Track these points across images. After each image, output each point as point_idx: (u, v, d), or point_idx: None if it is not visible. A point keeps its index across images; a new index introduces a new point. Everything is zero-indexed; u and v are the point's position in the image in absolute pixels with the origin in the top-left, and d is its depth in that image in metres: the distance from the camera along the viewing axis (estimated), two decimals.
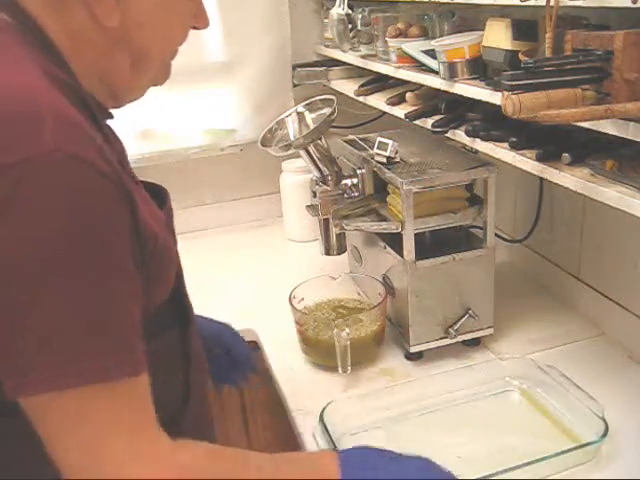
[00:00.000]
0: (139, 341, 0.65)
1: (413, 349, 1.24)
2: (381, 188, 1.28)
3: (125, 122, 0.91)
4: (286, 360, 1.30)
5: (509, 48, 1.02)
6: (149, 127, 1.79)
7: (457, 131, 1.19)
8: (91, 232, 0.60)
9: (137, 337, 0.65)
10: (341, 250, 1.38)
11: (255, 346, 1.41)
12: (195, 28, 0.82)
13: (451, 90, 1.18)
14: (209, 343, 1.03)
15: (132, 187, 0.67)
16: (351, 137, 1.42)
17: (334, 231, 1.32)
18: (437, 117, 1.26)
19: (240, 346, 1.16)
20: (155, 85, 0.83)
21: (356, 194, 1.32)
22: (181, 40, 0.81)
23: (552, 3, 0.85)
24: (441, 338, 1.25)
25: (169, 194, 0.85)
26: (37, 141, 0.58)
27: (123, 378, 0.62)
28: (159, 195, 0.83)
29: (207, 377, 0.96)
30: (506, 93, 0.79)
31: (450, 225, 1.23)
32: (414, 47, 1.30)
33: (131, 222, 0.65)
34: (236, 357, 1.14)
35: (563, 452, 0.96)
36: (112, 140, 0.76)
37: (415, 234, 1.18)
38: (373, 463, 0.80)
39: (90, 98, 0.72)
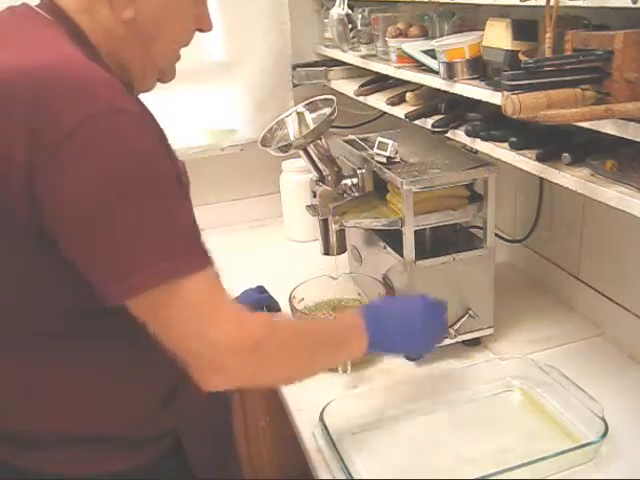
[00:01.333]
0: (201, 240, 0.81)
1: None
2: (381, 186, 1.28)
3: None
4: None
5: (509, 48, 1.02)
6: None
7: (457, 131, 1.19)
8: (148, 163, 0.75)
9: (200, 236, 0.81)
10: (341, 250, 1.38)
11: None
12: (200, 30, 0.93)
13: (451, 90, 1.18)
14: None
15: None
16: (351, 137, 1.42)
17: (334, 229, 1.32)
18: (437, 117, 1.26)
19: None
20: (161, 82, 0.95)
21: (356, 194, 1.32)
22: (187, 39, 0.92)
23: (552, 3, 0.85)
24: None
25: (185, 165, 0.96)
26: (93, 102, 0.72)
27: (207, 267, 0.79)
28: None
29: None
30: (506, 93, 0.80)
31: (450, 222, 1.23)
32: (414, 47, 1.30)
33: (168, 159, 0.81)
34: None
35: (563, 452, 0.96)
36: None
37: (415, 234, 1.18)
38: (387, 308, 1.07)
39: (119, 80, 0.82)
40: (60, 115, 0.71)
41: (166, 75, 0.96)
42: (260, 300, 1.43)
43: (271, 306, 1.44)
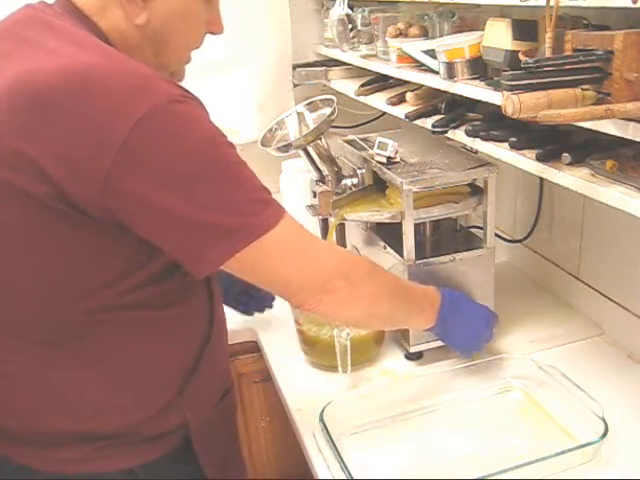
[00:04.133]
0: None
1: (413, 349, 1.24)
2: (381, 182, 1.28)
3: None
4: (286, 360, 1.30)
5: (509, 48, 1.02)
6: None
7: (457, 131, 1.19)
8: (213, 139, 0.80)
9: None
10: None
11: (255, 346, 1.42)
12: (211, 33, 0.95)
13: (451, 90, 1.18)
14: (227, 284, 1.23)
15: None
16: (351, 137, 1.42)
17: (334, 223, 1.31)
18: (437, 117, 1.26)
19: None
20: None
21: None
22: (198, 43, 0.95)
23: (552, 3, 0.85)
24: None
25: None
26: (152, 95, 0.75)
27: (286, 212, 0.87)
28: None
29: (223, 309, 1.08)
30: (506, 93, 0.79)
31: (451, 215, 1.23)
32: (414, 47, 1.30)
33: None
34: (254, 293, 1.37)
35: (563, 452, 0.96)
36: None
37: (415, 234, 1.18)
38: (459, 303, 1.12)
39: None
40: (122, 111, 0.73)
41: (176, 77, 0.97)
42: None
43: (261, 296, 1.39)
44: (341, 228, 1.34)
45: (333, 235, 1.32)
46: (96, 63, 0.76)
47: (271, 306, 1.40)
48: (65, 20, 0.83)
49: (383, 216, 1.22)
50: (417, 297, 1.07)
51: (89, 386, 0.87)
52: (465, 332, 1.14)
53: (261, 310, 1.40)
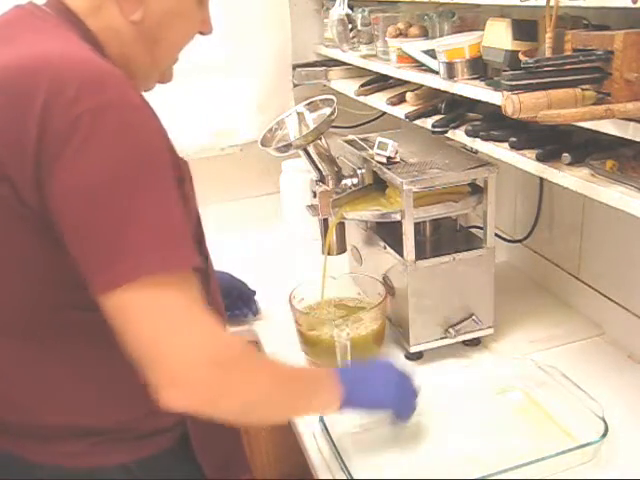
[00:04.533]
0: (192, 243, 0.78)
1: (413, 349, 1.24)
2: (381, 181, 1.28)
3: None
4: (286, 360, 1.29)
5: (509, 48, 1.02)
6: None
7: (457, 131, 1.19)
8: (150, 157, 0.75)
9: (191, 239, 0.78)
10: (341, 250, 1.38)
11: (255, 346, 1.42)
12: (201, 33, 0.95)
13: (451, 90, 1.18)
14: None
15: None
16: (351, 137, 1.42)
17: (334, 222, 1.31)
18: (437, 117, 1.26)
19: (243, 287, 1.45)
20: (161, 83, 0.97)
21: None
22: (188, 43, 0.94)
23: (552, 3, 0.85)
24: (441, 338, 1.25)
25: (188, 165, 0.95)
26: (103, 93, 0.73)
27: (189, 269, 0.76)
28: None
29: (223, 308, 1.06)
30: (506, 93, 0.80)
31: (451, 214, 1.23)
32: (414, 47, 1.30)
33: (171, 156, 0.80)
34: (241, 295, 1.43)
35: (563, 452, 0.96)
36: None
37: (415, 234, 1.18)
38: (362, 374, 1.01)
39: None
40: (69, 104, 0.72)
41: (165, 77, 0.98)
42: (233, 283, 1.43)
43: (245, 293, 1.45)
44: (341, 228, 1.34)
45: (333, 234, 1.32)
46: (56, 55, 0.75)
47: (246, 316, 1.45)
48: (53, 21, 0.83)
49: (382, 214, 1.22)
50: (310, 379, 0.96)
51: (82, 382, 0.87)
52: (381, 389, 1.00)
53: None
